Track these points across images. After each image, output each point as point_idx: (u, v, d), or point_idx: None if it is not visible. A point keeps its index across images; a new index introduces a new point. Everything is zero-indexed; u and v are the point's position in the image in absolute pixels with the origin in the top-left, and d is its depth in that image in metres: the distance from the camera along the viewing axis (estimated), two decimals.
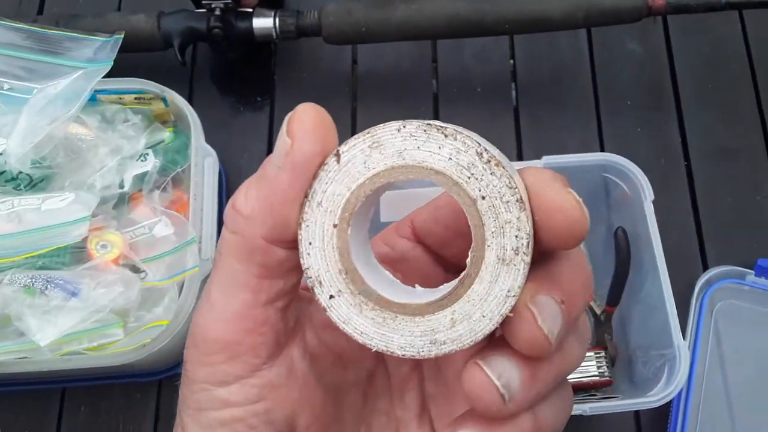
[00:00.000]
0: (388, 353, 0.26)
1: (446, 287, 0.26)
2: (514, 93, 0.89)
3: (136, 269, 0.67)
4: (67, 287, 0.64)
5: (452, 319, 0.25)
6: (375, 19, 0.77)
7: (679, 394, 0.71)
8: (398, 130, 0.25)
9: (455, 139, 0.25)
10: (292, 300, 0.29)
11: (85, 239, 0.66)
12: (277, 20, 0.79)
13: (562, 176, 0.26)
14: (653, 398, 0.64)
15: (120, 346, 0.65)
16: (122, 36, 0.69)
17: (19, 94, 0.66)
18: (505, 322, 0.25)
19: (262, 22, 0.78)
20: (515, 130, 0.86)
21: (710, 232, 0.83)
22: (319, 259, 0.26)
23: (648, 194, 0.70)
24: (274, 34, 0.79)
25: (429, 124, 0.25)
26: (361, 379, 0.33)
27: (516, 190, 0.24)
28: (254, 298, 0.27)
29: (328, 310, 0.26)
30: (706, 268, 0.80)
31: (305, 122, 0.25)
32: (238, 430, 0.28)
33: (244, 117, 0.86)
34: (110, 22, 0.77)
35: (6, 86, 0.68)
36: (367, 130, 0.25)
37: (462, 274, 0.25)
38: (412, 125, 0.25)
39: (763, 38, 0.92)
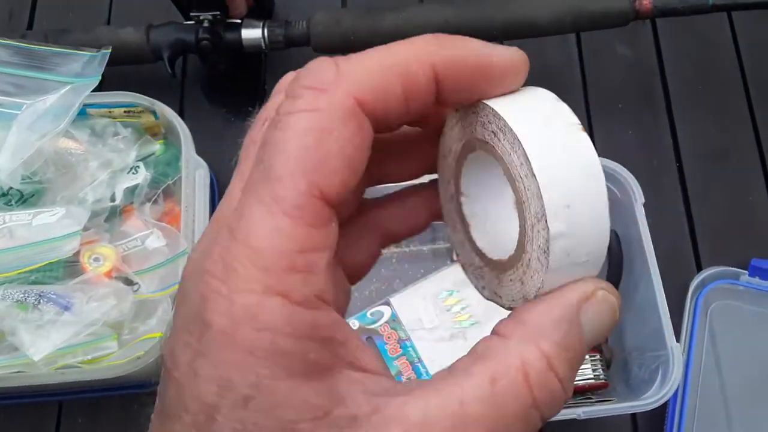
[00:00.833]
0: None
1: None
2: None
3: (129, 282, 0.67)
4: (60, 301, 0.64)
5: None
6: (364, 28, 0.77)
7: (675, 395, 0.71)
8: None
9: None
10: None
11: (77, 253, 0.66)
12: (265, 31, 0.79)
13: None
14: (648, 401, 0.64)
15: (114, 359, 0.65)
16: (110, 50, 0.70)
17: (8, 110, 0.66)
18: None
19: (251, 33, 0.79)
20: None
21: (704, 232, 0.83)
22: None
23: (639, 197, 0.70)
24: (262, 44, 0.79)
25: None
26: None
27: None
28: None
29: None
30: (700, 269, 0.81)
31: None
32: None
33: (236, 128, 0.86)
34: (99, 36, 0.78)
35: None
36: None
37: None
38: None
39: (753, 39, 0.92)
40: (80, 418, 0.74)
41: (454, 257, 0.32)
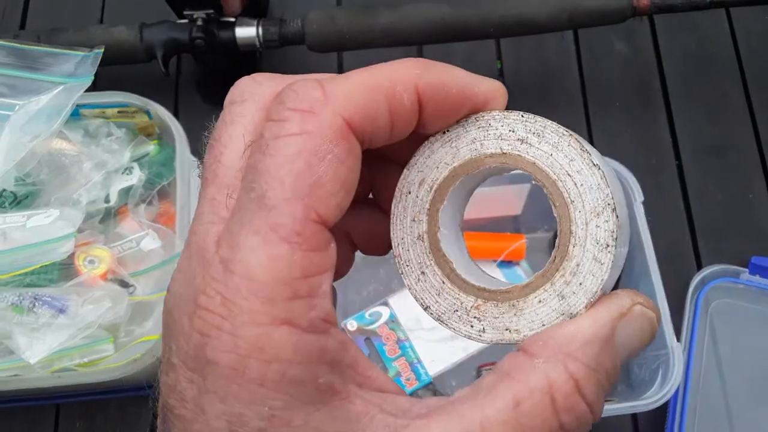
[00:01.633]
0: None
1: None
2: None
3: (124, 284, 0.67)
4: (55, 304, 0.64)
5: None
6: (359, 26, 0.77)
7: (676, 394, 0.71)
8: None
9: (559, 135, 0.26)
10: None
11: (72, 255, 0.66)
12: (260, 29, 0.78)
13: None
14: (648, 400, 0.63)
15: (111, 362, 0.65)
16: (102, 50, 0.69)
17: (1, 111, 0.66)
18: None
19: (245, 32, 0.78)
20: None
21: (703, 230, 0.82)
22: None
23: (638, 196, 0.69)
24: (257, 43, 0.78)
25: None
26: None
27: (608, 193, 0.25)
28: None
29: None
30: (700, 267, 0.80)
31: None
32: None
33: None
34: (92, 36, 0.77)
35: None
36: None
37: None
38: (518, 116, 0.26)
39: (751, 34, 0.92)
40: (78, 422, 0.74)
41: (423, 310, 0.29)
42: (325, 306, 0.23)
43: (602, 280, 0.24)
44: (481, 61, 0.90)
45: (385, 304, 0.77)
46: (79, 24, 0.80)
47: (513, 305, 0.26)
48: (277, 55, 0.88)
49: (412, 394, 0.74)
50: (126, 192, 0.70)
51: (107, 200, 0.69)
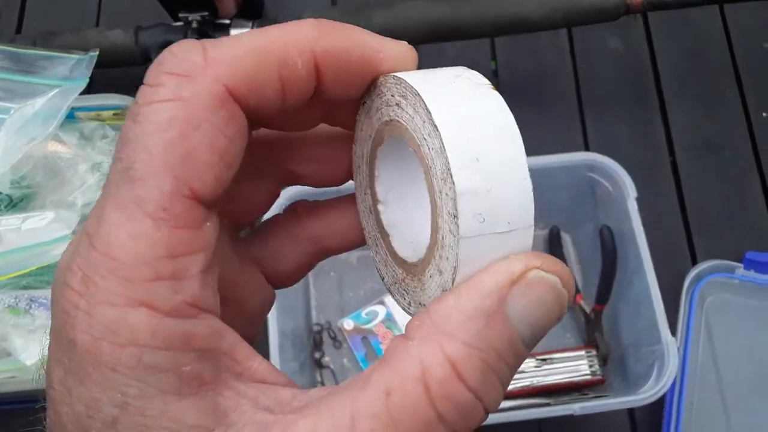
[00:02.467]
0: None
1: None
2: None
3: None
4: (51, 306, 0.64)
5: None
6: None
7: (672, 389, 0.71)
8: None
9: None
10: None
11: None
12: None
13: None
14: (643, 395, 0.64)
15: None
16: (97, 53, 0.69)
17: None
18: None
19: (240, 33, 0.78)
20: None
21: (698, 226, 0.83)
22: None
23: (631, 192, 0.70)
24: None
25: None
26: None
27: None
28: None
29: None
30: (695, 262, 0.80)
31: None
32: None
33: None
34: (88, 39, 0.77)
35: None
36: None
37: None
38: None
39: (744, 30, 0.92)
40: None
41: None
42: (192, 289, 0.21)
43: (456, 255, 0.21)
44: (475, 61, 0.90)
45: (382, 303, 0.77)
46: (74, 27, 0.81)
47: (420, 279, 0.24)
48: None
49: None
50: None
51: None
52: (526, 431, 0.72)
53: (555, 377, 0.72)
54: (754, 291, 0.76)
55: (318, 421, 0.20)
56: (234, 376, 0.22)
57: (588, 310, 0.75)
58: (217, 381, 0.21)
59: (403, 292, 0.26)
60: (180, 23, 0.78)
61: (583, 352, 0.73)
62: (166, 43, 0.77)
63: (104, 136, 0.71)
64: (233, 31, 0.78)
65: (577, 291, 0.77)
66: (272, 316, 0.66)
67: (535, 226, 0.22)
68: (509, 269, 0.21)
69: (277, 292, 0.30)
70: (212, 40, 0.22)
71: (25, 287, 0.65)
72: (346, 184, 0.29)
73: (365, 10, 0.78)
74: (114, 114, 0.71)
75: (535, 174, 0.22)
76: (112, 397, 0.20)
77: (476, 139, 0.21)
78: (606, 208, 0.74)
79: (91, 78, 0.69)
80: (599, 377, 0.72)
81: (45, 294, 0.64)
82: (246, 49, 0.22)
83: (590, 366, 0.72)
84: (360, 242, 0.29)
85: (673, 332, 0.67)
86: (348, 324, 0.76)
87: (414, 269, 0.25)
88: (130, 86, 0.79)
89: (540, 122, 0.86)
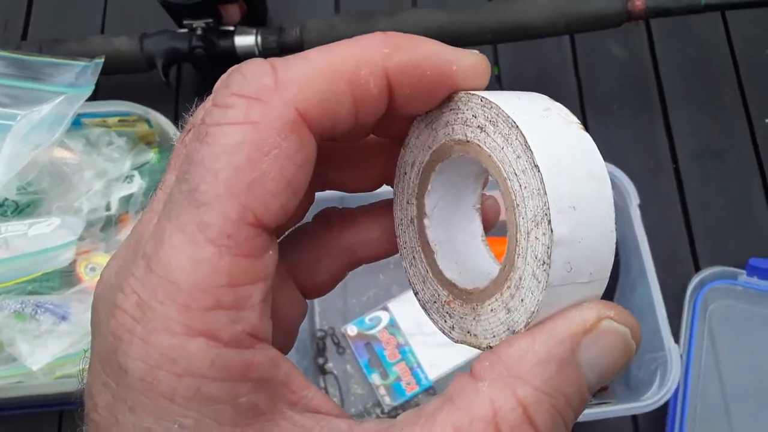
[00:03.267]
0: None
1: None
2: None
3: None
4: (57, 311, 0.64)
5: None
6: (357, 34, 0.77)
7: (676, 396, 0.71)
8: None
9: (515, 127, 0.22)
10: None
11: (73, 263, 0.66)
12: (259, 38, 0.79)
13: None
14: (646, 402, 0.64)
15: None
16: (102, 60, 0.70)
17: (3, 121, 0.66)
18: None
19: (244, 40, 0.79)
20: None
21: (701, 233, 0.83)
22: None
23: (634, 199, 0.70)
24: (256, 51, 0.79)
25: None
26: None
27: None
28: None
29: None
30: (698, 269, 0.80)
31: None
32: None
33: None
34: (93, 46, 0.78)
35: None
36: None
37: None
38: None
39: (747, 37, 0.92)
40: (81, 429, 0.74)
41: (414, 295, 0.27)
42: (251, 319, 0.20)
43: (538, 301, 0.21)
44: None
45: (385, 309, 0.78)
46: (80, 34, 0.81)
47: (473, 308, 0.24)
48: None
49: (413, 398, 0.74)
50: (127, 200, 0.71)
51: (108, 208, 0.70)
52: None
53: None
54: (757, 298, 0.76)
55: None
56: (289, 406, 0.21)
57: None
58: (273, 411, 0.21)
59: (446, 315, 0.25)
60: (185, 30, 0.79)
61: None
62: (171, 50, 0.78)
63: (110, 142, 0.71)
64: (237, 38, 0.79)
65: None
66: None
67: None
68: (583, 318, 0.21)
69: None
70: (281, 59, 0.21)
71: (30, 292, 0.65)
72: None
73: (369, 17, 0.78)
74: (119, 120, 0.72)
75: None
76: (167, 428, 0.19)
77: (574, 186, 0.21)
78: None
79: (96, 84, 0.69)
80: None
81: (51, 299, 0.64)
82: (316, 70, 0.21)
83: None
84: (393, 251, 0.28)
85: (676, 339, 0.67)
86: (351, 330, 0.77)
87: (467, 296, 0.24)
88: (136, 93, 0.80)
89: None
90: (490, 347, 0.23)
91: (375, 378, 0.75)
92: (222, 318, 0.19)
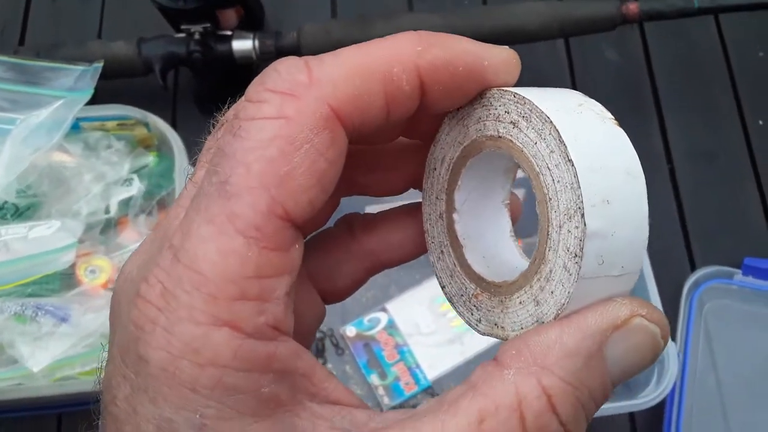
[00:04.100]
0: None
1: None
2: None
3: None
4: (57, 313, 0.65)
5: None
6: (354, 38, 0.78)
7: (672, 394, 0.72)
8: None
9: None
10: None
11: (73, 265, 0.67)
12: (256, 42, 0.79)
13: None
14: (643, 400, 0.64)
15: None
16: (101, 65, 0.70)
17: (2, 125, 0.67)
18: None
19: (242, 45, 0.79)
20: None
21: (696, 233, 0.83)
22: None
23: None
24: (254, 55, 0.80)
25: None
26: None
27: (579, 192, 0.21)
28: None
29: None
30: (693, 268, 0.81)
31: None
32: None
33: None
34: (91, 50, 0.78)
35: None
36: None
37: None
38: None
39: (739, 39, 0.93)
40: (81, 430, 0.74)
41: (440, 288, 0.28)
42: (276, 312, 0.20)
43: (569, 293, 0.21)
44: None
45: (384, 310, 0.78)
46: (78, 39, 0.82)
47: (501, 301, 0.24)
48: None
49: (412, 398, 0.74)
50: (126, 203, 0.71)
51: (107, 211, 0.70)
52: None
53: None
54: (753, 297, 0.77)
55: None
56: (309, 397, 0.21)
57: None
58: (294, 402, 0.21)
59: (473, 307, 0.26)
60: (182, 35, 0.79)
61: None
62: (169, 55, 0.79)
63: (108, 146, 0.72)
64: (235, 43, 0.79)
65: None
66: None
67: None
68: (615, 313, 0.21)
69: None
70: (315, 57, 0.22)
71: (31, 295, 0.65)
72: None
73: (365, 22, 0.78)
74: (118, 124, 0.72)
75: None
76: (189, 418, 0.19)
77: (608, 180, 0.21)
78: None
79: (95, 88, 0.70)
80: None
81: (51, 301, 0.64)
82: (350, 68, 0.21)
83: None
84: (416, 254, 0.29)
85: (673, 338, 0.68)
86: (350, 331, 0.77)
87: (495, 289, 0.25)
88: (134, 97, 0.80)
89: None
90: None
91: (374, 378, 0.75)
92: (247, 309, 0.20)
